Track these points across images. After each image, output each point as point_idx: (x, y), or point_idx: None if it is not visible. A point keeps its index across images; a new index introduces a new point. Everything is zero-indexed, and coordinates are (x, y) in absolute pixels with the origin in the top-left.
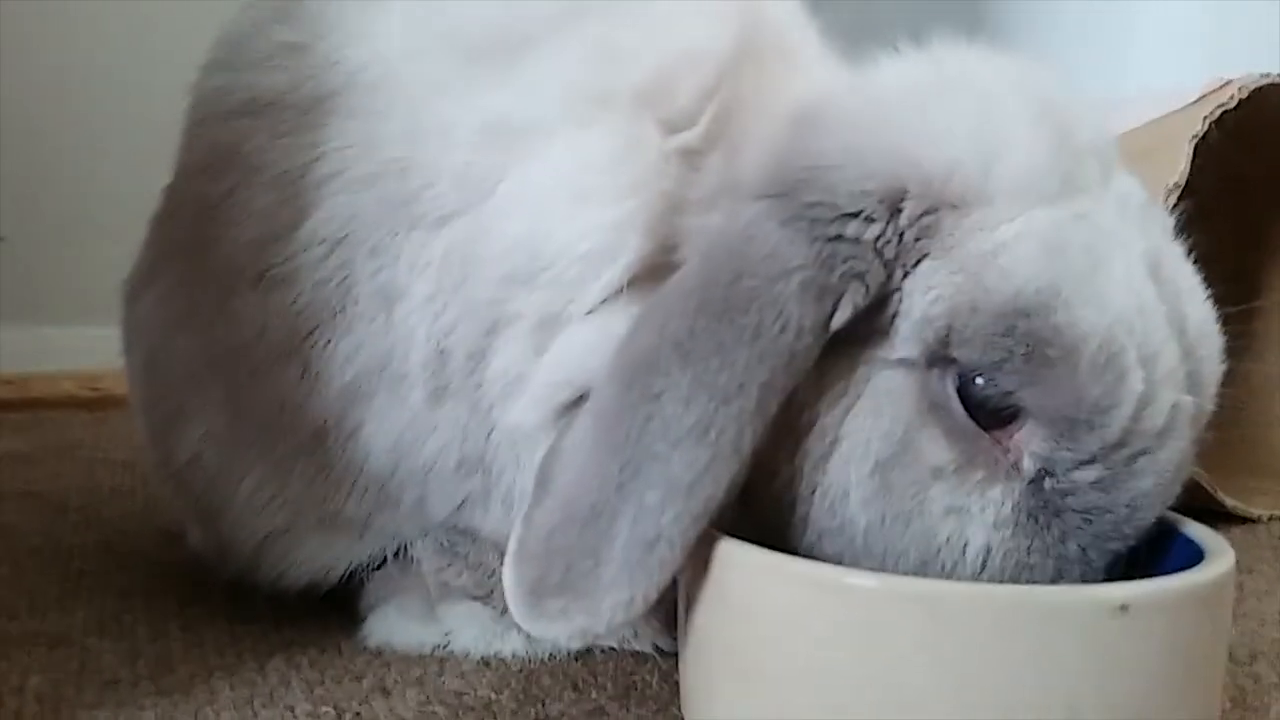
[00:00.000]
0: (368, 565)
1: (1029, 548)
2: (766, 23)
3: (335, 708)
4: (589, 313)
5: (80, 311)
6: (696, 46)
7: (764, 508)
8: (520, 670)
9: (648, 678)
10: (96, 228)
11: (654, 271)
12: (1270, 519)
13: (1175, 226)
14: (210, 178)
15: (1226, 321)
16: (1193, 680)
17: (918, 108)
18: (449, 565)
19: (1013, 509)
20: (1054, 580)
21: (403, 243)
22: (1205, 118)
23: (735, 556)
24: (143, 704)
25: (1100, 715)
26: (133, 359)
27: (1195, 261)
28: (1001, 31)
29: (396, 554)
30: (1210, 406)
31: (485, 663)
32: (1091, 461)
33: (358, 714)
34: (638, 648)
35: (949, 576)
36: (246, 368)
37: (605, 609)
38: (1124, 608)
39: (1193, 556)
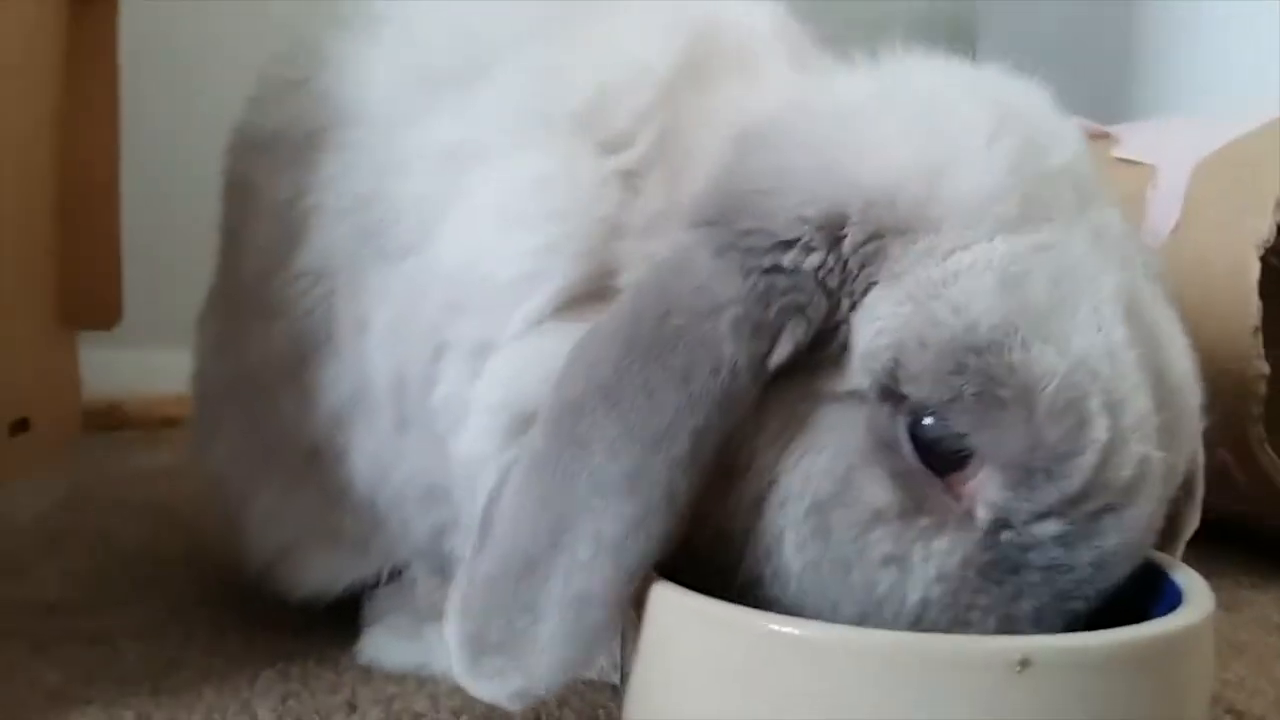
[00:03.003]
0: (370, 584)
1: (969, 604)
2: (725, 33)
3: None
4: (517, 338)
5: None
6: (637, 64)
7: (701, 554)
8: None
9: (614, 710)
10: None
11: (592, 296)
12: None
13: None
14: (232, 209)
15: None
16: None
17: (859, 123)
18: (439, 588)
19: (962, 562)
20: None
21: (372, 274)
22: None
23: (654, 595)
24: (129, 703)
25: None
26: (192, 382)
27: None
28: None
29: (396, 574)
30: (1185, 464)
31: None
32: (1051, 515)
33: None
34: (612, 680)
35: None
36: (256, 392)
37: (542, 671)
38: (1024, 663)
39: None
